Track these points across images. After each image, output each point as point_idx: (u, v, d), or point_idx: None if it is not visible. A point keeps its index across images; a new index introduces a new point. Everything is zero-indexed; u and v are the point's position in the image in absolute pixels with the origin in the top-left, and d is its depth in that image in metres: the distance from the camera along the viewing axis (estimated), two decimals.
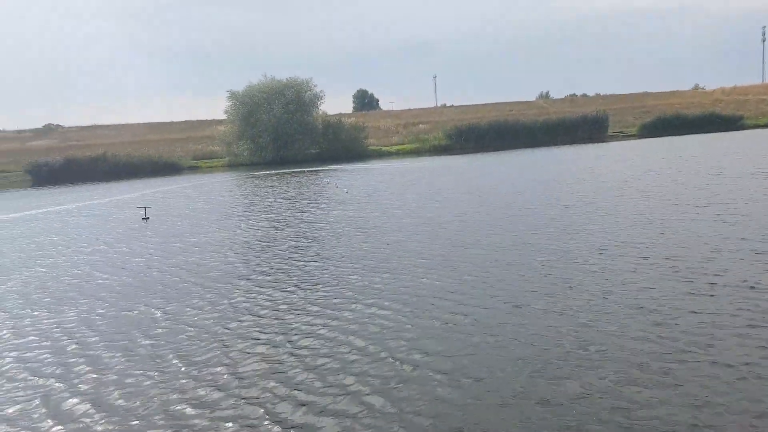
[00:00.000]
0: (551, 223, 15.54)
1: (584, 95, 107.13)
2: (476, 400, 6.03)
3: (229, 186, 38.56)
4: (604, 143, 59.37)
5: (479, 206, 19.65)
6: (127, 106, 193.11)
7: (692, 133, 60.74)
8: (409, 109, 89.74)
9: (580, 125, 67.14)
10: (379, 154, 62.59)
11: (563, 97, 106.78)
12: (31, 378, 7.49)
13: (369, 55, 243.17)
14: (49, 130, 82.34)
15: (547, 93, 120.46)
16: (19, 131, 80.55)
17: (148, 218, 22.44)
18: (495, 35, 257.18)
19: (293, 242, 15.52)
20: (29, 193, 43.70)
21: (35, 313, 10.43)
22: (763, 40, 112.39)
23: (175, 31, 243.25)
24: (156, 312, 9.88)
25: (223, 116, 63.06)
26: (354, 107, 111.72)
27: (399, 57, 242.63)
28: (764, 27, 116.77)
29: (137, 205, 25.53)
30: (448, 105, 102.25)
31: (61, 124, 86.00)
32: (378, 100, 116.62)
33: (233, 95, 61.45)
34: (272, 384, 6.75)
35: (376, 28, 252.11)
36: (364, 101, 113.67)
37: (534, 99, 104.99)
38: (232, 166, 58.10)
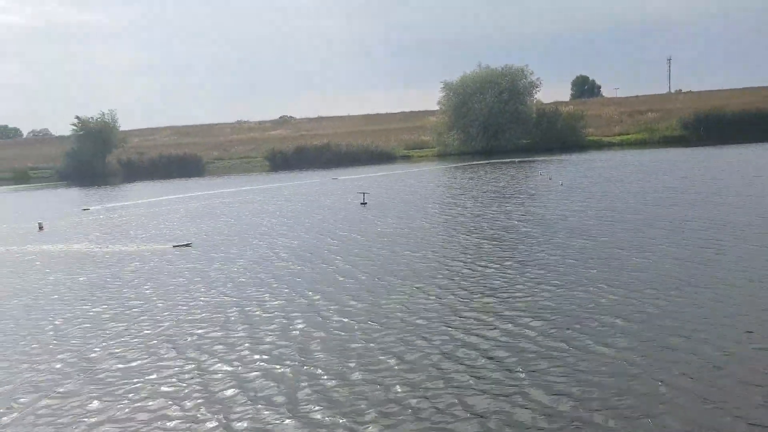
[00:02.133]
0: None
1: None
2: None
3: (439, 175, 38.79)
4: None
5: (720, 211, 16.45)
6: (348, 99, 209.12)
7: None
8: (636, 96, 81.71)
9: None
10: (599, 145, 57.91)
11: None
12: (187, 354, 7.85)
13: (591, 38, 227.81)
14: (283, 121, 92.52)
15: None
16: (260, 122, 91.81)
17: (366, 203, 23.41)
18: (746, 8, 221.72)
19: (491, 239, 14.63)
20: (263, 178, 49.06)
21: (227, 291, 11.10)
22: None
23: (394, 27, 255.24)
24: (327, 304, 9.76)
25: (436, 107, 63.98)
26: (572, 95, 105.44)
27: (626, 39, 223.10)
28: None
29: (357, 191, 26.66)
30: (683, 91, 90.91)
31: (293, 116, 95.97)
32: (599, 87, 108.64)
33: (447, 86, 61.90)
34: (402, 395, 6.14)
35: (600, 8, 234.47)
36: (584, 88, 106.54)
37: None
38: (442, 156, 58.68)
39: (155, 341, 8.48)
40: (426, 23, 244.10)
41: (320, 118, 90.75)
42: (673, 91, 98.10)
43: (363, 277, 11.40)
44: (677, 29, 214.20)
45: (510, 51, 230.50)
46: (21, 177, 67.06)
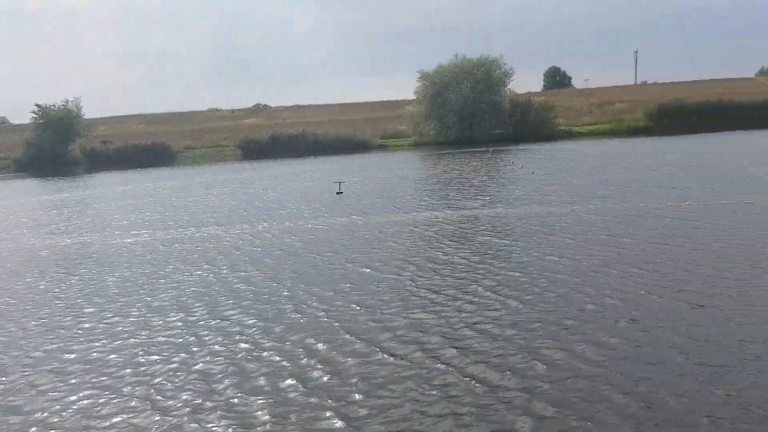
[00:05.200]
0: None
1: None
2: None
3: (415, 164, 39.15)
4: None
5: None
6: (326, 88, 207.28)
7: None
8: (605, 87, 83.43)
9: None
10: (569, 135, 59.16)
11: None
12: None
13: (563, 30, 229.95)
14: (258, 109, 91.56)
15: None
16: (233, 110, 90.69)
17: (341, 193, 23.50)
18: (706, 5, 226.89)
19: (460, 228, 14.89)
20: (239, 166, 48.75)
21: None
22: None
23: (373, 14, 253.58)
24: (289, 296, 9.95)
25: (413, 96, 64.17)
26: (544, 85, 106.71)
27: (596, 31, 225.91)
28: None
29: (333, 180, 26.68)
30: (649, 82, 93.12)
31: (268, 104, 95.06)
32: (570, 78, 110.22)
33: (423, 75, 62.10)
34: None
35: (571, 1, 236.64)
36: (556, 79, 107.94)
37: (753, 75, 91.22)
38: (418, 146, 59.04)
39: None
40: (405, 10, 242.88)
41: (296, 107, 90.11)
42: (639, 82, 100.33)
43: (325, 268, 11.55)
44: (643, 22, 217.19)
45: (487, 40, 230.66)
46: None
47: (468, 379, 6.39)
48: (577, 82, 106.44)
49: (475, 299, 9.04)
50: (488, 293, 9.30)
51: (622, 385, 6.02)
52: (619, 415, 5.44)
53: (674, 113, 58.51)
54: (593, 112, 66.86)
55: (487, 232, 14.01)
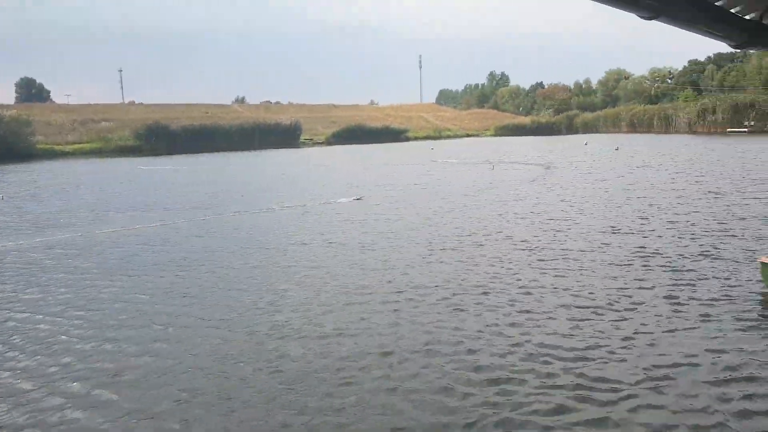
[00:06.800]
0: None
1: (278, 103, 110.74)
2: None
3: None
4: (298, 149, 63.59)
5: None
6: None
7: (371, 142, 68.99)
8: (89, 104, 79.66)
9: (274, 131, 69.34)
10: (52, 154, 54.37)
11: (258, 103, 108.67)
12: None
13: (37, 39, 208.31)
14: None
15: (243, 98, 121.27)
16: None
17: None
18: (189, 30, 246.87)
19: None
20: None
21: None
22: (420, 66, 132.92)
23: None
24: None
25: None
26: (17, 98, 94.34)
27: (77, 44, 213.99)
28: (420, 55, 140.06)
29: None
30: (136, 102, 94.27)
31: None
32: (49, 92, 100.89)
33: None
34: None
35: (48, 9, 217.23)
36: (31, 92, 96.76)
37: (230, 103, 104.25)
38: None
39: None
40: None
41: None
42: (126, 101, 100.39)
43: None
44: (127, 42, 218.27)
45: None
46: None
47: None
48: (58, 97, 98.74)
49: None
50: None
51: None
52: None
53: (161, 134, 61.02)
54: (77, 129, 63.24)
55: None
